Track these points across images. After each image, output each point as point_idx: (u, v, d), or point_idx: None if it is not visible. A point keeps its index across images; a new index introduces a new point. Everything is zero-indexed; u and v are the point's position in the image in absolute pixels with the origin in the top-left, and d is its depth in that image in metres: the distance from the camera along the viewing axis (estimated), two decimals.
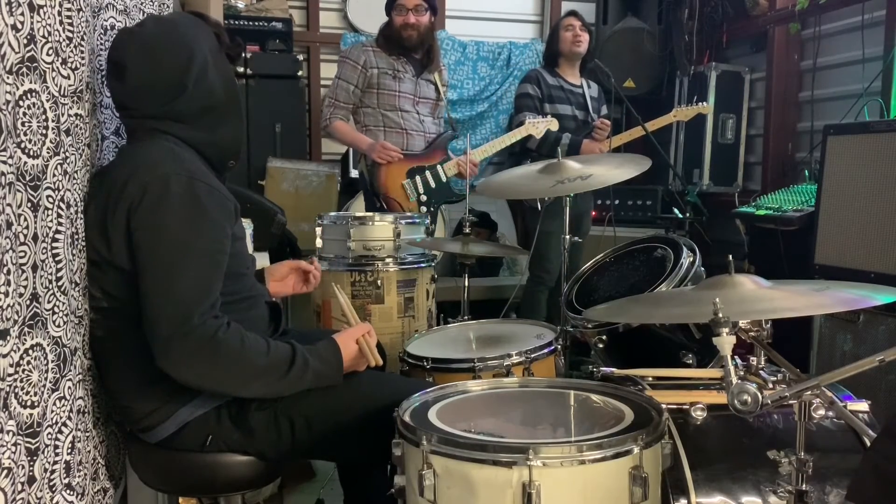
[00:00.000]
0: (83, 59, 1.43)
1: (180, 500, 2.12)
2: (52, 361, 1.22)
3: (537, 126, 3.46)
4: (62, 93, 1.30)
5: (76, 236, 1.39)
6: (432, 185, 3.28)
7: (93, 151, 1.53)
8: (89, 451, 1.44)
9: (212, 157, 1.61)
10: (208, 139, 1.60)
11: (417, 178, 3.26)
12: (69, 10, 1.33)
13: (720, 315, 1.17)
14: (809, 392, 1.19)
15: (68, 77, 1.34)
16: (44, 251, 1.19)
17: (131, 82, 1.52)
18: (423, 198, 3.26)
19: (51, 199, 1.23)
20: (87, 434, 1.43)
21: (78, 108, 1.40)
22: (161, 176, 1.45)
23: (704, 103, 3.72)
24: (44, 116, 1.19)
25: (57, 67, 1.27)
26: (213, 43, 1.61)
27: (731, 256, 1.46)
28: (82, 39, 1.42)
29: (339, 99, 3.27)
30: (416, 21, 3.23)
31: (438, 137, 3.36)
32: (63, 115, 1.31)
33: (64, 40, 1.31)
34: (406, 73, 3.27)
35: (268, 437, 1.57)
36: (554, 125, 3.50)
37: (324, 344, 1.60)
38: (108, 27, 1.69)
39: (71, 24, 1.35)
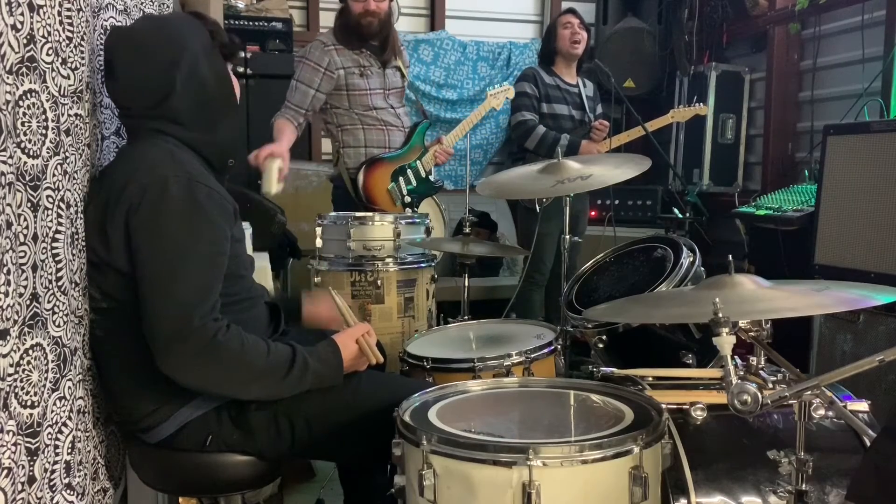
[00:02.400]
0: (83, 59, 1.42)
1: (180, 500, 2.12)
2: (53, 361, 1.22)
3: (497, 97, 3.34)
4: (62, 93, 1.30)
5: (76, 236, 1.39)
6: (414, 183, 3.12)
7: (93, 151, 1.53)
8: (89, 451, 1.44)
9: (211, 158, 1.61)
10: (207, 139, 1.60)
11: (401, 180, 3.10)
12: (69, 10, 1.33)
13: (720, 315, 1.17)
14: (809, 392, 1.19)
15: (68, 77, 1.34)
16: (44, 251, 1.19)
17: (121, 81, 1.53)
18: (408, 199, 3.11)
19: (51, 200, 1.22)
20: (88, 434, 1.43)
21: (78, 109, 1.40)
22: (160, 178, 1.44)
23: (702, 104, 3.71)
24: (44, 116, 1.19)
25: (57, 67, 1.27)
26: (205, 40, 1.60)
27: (730, 256, 1.46)
28: (82, 39, 1.42)
29: (292, 101, 3.00)
30: (376, 7, 2.95)
31: (413, 131, 3.17)
32: (63, 115, 1.31)
33: (64, 40, 1.31)
34: (372, 66, 3.05)
35: (268, 437, 1.57)
36: (510, 93, 3.41)
37: (323, 345, 1.60)
38: (108, 27, 1.69)
39: (71, 24, 1.35)
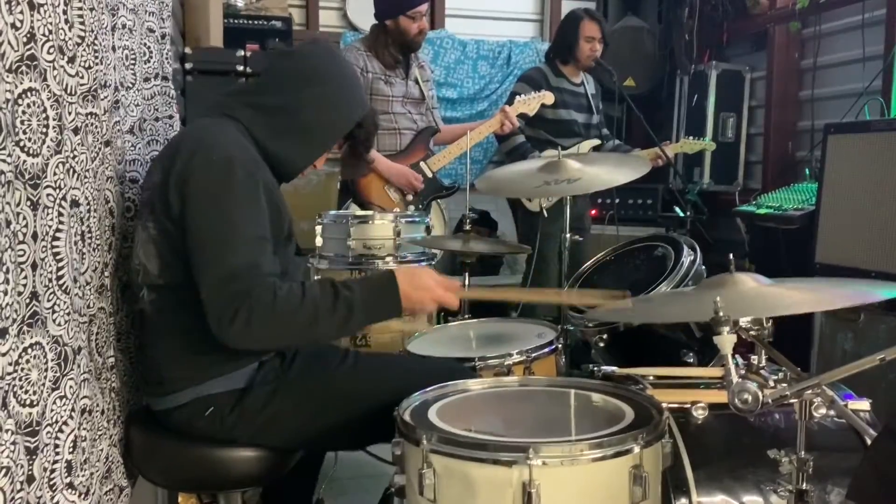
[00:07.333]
0: (97, 57, 1.43)
1: (179, 497, 2.12)
2: (52, 360, 1.22)
3: (529, 104, 3.30)
4: (69, 91, 1.30)
5: (88, 235, 1.39)
6: None
7: (115, 149, 1.55)
8: (102, 450, 1.45)
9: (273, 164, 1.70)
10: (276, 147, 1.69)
11: None
12: (80, 8, 1.33)
13: (721, 314, 1.17)
14: (810, 391, 1.19)
15: (79, 76, 1.34)
16: (43, 250, 1.18)
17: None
18: (409, 197, 3.14)
19: (51, 198, 1.22)
20: (100, 433, 1.44)
21: (92, 107, 1.40)
22: (226, 156, 1.51)
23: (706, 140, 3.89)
24: (44, 115, 1.19)
25: (61, 66, 1.26)
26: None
27: (731, 255, 1.46)
28: (95, 38, 1.42)
29: None
30: (426, 26, 3.23)
31: (418, 134, 3.23)
32: (72, 113, 1.31)
33: (72, 38, 1.31)
34: (397, 77, 3.20)
35: (274, 428, 1.57)
36: (549, 99, 3.34)
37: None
38: (120, 26, 1.69)
39: (83, 23, 1.35)
